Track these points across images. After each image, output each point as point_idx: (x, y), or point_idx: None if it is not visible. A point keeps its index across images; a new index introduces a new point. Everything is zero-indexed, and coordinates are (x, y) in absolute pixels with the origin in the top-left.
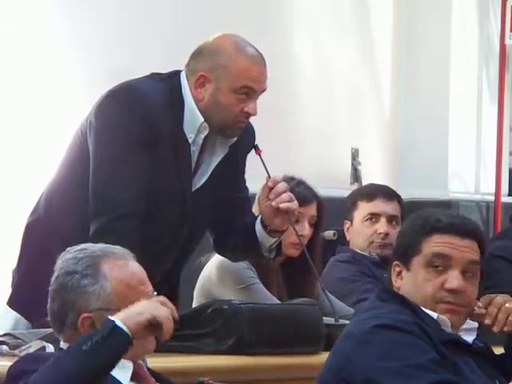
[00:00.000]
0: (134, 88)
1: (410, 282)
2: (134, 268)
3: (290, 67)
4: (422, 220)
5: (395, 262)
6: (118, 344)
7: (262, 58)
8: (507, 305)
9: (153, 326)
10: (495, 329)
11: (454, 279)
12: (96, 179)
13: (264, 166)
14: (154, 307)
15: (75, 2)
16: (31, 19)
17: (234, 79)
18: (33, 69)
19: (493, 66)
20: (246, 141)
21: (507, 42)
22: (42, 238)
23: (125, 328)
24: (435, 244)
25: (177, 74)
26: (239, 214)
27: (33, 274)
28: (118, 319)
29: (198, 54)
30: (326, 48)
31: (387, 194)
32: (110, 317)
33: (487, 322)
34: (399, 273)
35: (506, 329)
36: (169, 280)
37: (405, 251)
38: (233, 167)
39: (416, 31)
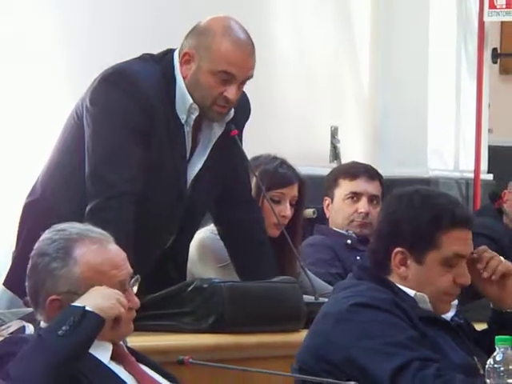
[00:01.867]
0: (128, 71)
1: (423, 275)
2: (107, 252)
3: (269, 48)
4: (435, 210)
5: (399, 249)
6: (92, 326)
7: (251, 46)
8: (501, 257)
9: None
10: (485, 274)
11: (467, 275)
12: (92, 161)
13: (239, 147)
14: (115, 302)
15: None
16: (21, 17)
17: (215, 62)
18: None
19: (471, 43)
20: (240, 113)
21: (486, 18)
22: (39, 219)
23: (96, 311)
24: (456, 242)
25: (169, 52)
26: (240, 187)
27: (28, 254)
28: (87, 305)
29: (189, 33)
30: (304, 28)
31: (370, 173)
32: (77, 303)
33: (479, 266)
34: (403, 261)
35: (493, 277)
36: (173, 257)
37: (417, 242)
38: (231, 144)
39: (394, 10)
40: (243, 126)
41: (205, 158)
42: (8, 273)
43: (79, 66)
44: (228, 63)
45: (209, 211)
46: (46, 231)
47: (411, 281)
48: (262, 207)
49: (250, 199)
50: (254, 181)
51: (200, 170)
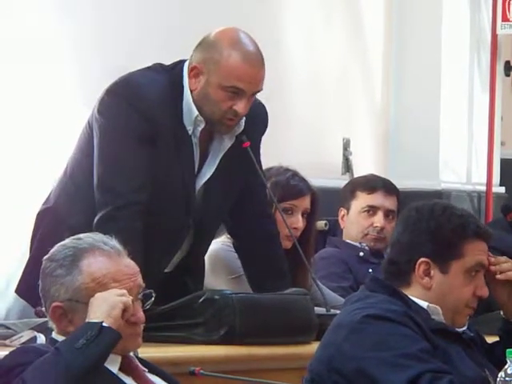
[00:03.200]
0: (134, 83)
1: (447, 285)
2: (113, 265)
3: (279, 58)
4: (459, 220)
5: (423, 259)
6: (108, 341)
7: (260, 59)
8: None
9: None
10: (498, 276)
11: (485, 287)
12: (99, 172)
13: (252, 158)
14: (114, 298)
15: (72, 3)
16: (27, 19)
17: (223, 77)
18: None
19: (484, 55)
20: (257, 125)
21: (498, 31)
22: (51, 227)
23: (112, 326)
24: (479, 252)
25: (180, 63)
26: (254, 200)
27: (39, 262)
28: (100, 320)
29: (198, 45)
30: (316, 38)
31: (388, 188)
32: (92, 320)
33: (493, 268)
34: (427, 271)
35: (503, 276)
36: (189, 270)
37: (442, 251)
38: (243, 155)
39: (407, 21)
40: (260, 139)
41: (213, 170)
42: (20, 280)
43: (91, 73)
44: (237, 79)
45: (223, 223)
46: (68, 238)
47: (434, 291)
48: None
49: (266, 212)
50: None
51: (210, 181)
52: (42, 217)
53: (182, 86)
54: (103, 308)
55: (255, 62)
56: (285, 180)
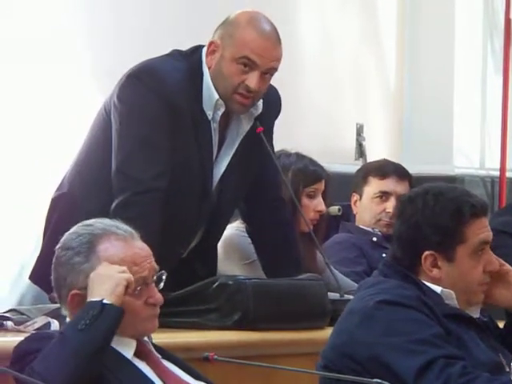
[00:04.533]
0: (155, 68)
1: (456, 272)
2: (130, 249)
3: (293, 44)
4: (453, 205)
5: (428, 253)
6: (111, 318)
7: (275, 37)
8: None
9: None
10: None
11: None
12: (119, 158)
13: (265, 144)
14: (117, 274)
15: (85, 1)
16: (35, 18)
17: (237, 48)
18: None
19: (497, 40)
20: (270, 109)
21: None
22: (65, 214)
23: (114, 303)
24: (480, 231)
25: (198, 48)
26: (268, 185)
27: (53, 248)
28: (101, 297)
29: (219, 25)
30: (330, 24)
31: (400, 173)
32: (92, 299)
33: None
34: (434, 263)
35: (489, 267)
36: (201, 256)
37: (444, 241)
38: (259, 140)
39: (420, 7)
40: (273, 123)
41: (231, 155)
42: (34, 267)
43: (105, 64)
44: (249, 49)
45: (238, 209)
46: (75, 226)
47: (444, 280)
48: (300, 205)
49: (279, 198)
50: (289, 179)
51: (227, 166)
52: (56, 203)
53: (202, 72)
54: (106, 285)
55: (270, 37)
56: (303, 166)
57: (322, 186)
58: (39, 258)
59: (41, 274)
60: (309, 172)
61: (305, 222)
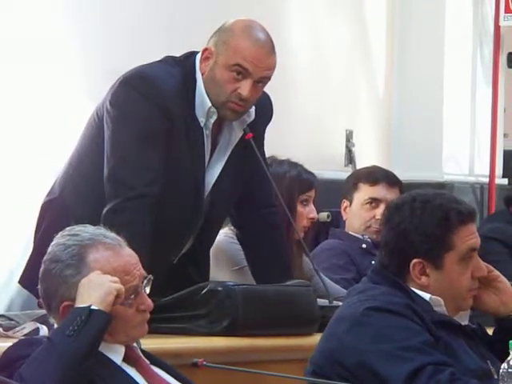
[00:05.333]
0: (148, 74)
1: (445, 279)
2: (120, 258)
3: (282, 49)
4: (440, 212)
5: (417, 260)
6: (98, 323)
7: (269, 46)
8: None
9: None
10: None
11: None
12: (111, 164)
13: (255, 150)
14: (109, 283)
15: (76, 2)
16: (32, 19)
17: (230, 55)
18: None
19: (487, 47)
20: (261, 115)
21: (501, 23)
22: (55, 219)
23: (102, 308)
24: (468, 238)
25: (192, 55)
26: (258, 191)
27: (44, 253)
28: (89, 303)
29: (214, 32)
30: (319, 30)
31: (391, 180)
32: (80, 305)
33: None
34: (422, 270)
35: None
36: (194, 262)
37: (431, 248)
38: (250, 147)
39: (410, 13)
40: (264, 129)
41: (224, 161)
42: (24, 271)
43: (97, 67)
44: (242, 57)
45: (228, 214)
46: (59, 235)
47: (433, 288)
48: (295, 212)
49: (269, 204)
50: (285, 186)
51: (219, 173)
52: (46, 208)
53: (195, 78)
54: (97, 293)
55: (263, 46)
56: (297, 174)
57: (313, 193)
58: (29, 262)
59: (31, 279)
60: (303, 179)
61: (296, 230)
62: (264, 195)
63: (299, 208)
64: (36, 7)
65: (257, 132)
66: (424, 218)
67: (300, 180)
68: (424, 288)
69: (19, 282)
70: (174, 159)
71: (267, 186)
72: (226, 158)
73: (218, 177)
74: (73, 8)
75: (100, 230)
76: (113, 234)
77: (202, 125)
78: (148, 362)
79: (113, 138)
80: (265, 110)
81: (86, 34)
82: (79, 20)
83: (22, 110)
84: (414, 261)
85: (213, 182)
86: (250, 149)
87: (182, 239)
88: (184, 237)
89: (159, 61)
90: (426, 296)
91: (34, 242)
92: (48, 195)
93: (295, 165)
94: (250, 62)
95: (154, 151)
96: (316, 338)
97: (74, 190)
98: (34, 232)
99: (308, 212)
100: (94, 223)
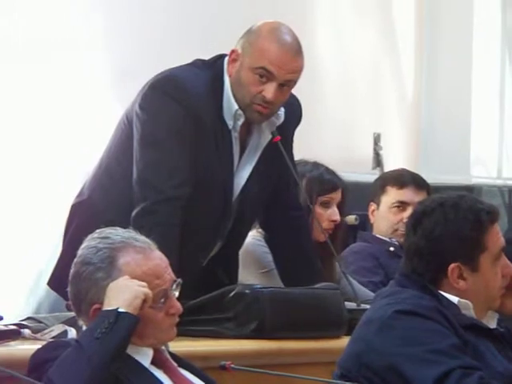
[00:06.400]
0: (178, 78)
1: (481, 281)
2: (151, 262)
3: (310, 53)
4: (472, 215)
5: (455, 265)
6: (126, 326)
7: (295, 49)
8: None
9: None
10: None
11: (510, 264)
12: (140, 167)
13: (283, 153)
14: (136, 287)
15: (93, 2)
16: (49, 19)
17: (255, 58)
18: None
19: None
20: (290, 117)
21: None
22: (84, 221)
23: (126, 309)
24: (498, 237)
25: (221, 58)
26: (286, 193)
27: (73, 255)
28: (117, 306)
29: (242, 35)
30: (346, 33)
31: (418, 183)
32: (108, 308)
33: None
34: (459, 274)
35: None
36: (223, 264)
37: (468, 251)
38: (282, 148)
39: (438, 16)
40: (293, 132)
41: (253, 164)
42: (52, 273)
43: (124, 70)
44: (267, 60)
45: (256, 217)
46: (89, 237)
47: (469, 292)
48: (314, 213)
49: (297, 206)
50: (303, 188)
51: (249, 176)
52: (75, 210)
53: (223, 81)
54: (125, 296)
55: (289, 49)
56: (318, 175)
57: (337, 195)
58: (58, 264)
59: (60, 281)
60: (324, 181)
61: (321, 230)
62: (291, 198)
63: (318, 210)
64: (62, 8)
65: (286, 134)
66: (458, 222)
67: (320, 181)
68: (461, 292)
69: (48, 284)
70: (203, 162)
71: (295, 189)
72: (255, 160)
73: (248, 179)
74: (98, 8)
75: (130, 233)
76: (143, 237)
77: (230, 127)
78: (176, 364)
79: (142, 141)
80: (294, 112)
81: (115, 31)
82: (109, 17)
83: (53, 114)
84: (452, 265)
85: (242, 185)
86: (278, 151)
87: (211, 241)
88: (213, 239)
89: (188, 64)
90: (455, 299)
91: (63, 245)
92: (77, 197)
93: (319, 166)
94: (275, 65)
95: (183, 154)
96: (344, 341)
97: (103, 193)
98: (63, 234)
99: (329, 214)
100: (123, 225)
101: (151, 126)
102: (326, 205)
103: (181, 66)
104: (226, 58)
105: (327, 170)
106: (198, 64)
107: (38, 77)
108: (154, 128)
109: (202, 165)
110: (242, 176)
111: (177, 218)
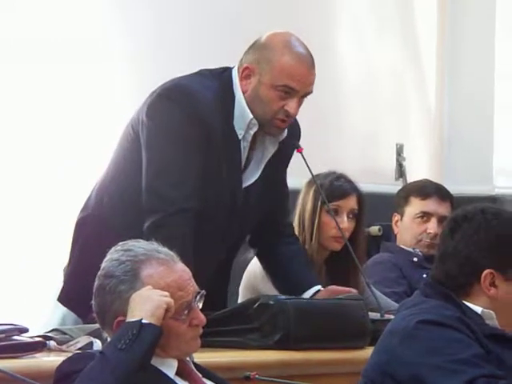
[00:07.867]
0: (186, 87)
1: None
2: (174, 273)
3: (333, 64)
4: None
5: (489, 271)
6: (150, 337)
7: (311, 61)
8: None
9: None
10: None
11: None
12: (149, 177)
13: (306, 163)
14: (158, 297)
15: (127, 5)
16: (80, 19)
17: (276, 76)
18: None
19: None
20: (291, 137)
21: None
22: (92, 234)
23: (153, 322)
24: None
25: (227, 70)
26: (280, 211)
27: (82, 269)
28: (141, 317)
29: (249, 48)
30: (369, 44)
31: (442, 194)
32: (131, 319)
33: None
34: (493, 282)
35: None
36: (221, 274)
37: (504, 259)
38: (280, 164)
39: (460, 26)
40: (292, 150)
41: (258, 174)
42: (62, 289)
43: (142, 78)
44: (289, 77)
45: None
46: (112, 250)
47: (500, 300)
48: (320, 221)
49: (285, 223)
50: (311, 196)
51: (251, 186)
52: (81, 225)
53: (233, 92)
54: (147, 306)
55: (307, 62)
56: (328, 182)
57: (347, 203)
58: (67, 280)
59: (69, 296)
60: (332, 188)
61: (342, 235)
62: (285, 221)
63: (324, 217)
64: (86, 7)
65: (285, 151)
66: (500, 229)
67: (329, 188)
68: (491, 300)
69: (58, 299)
70: (212, 173)
71: (285, 205)
72: (258, 173)
73: (250, 190)
74: (125, 10)
75: (153, 245)
76: (165, 249)
77: (240, 137)
78: (201, 375)
79: (149, 151)
80: (294, 131)
81: (136, 40)
82: (129, 24)
83: (56, 121)
84: (486, 271)
85: (243, 196)
86: (281, 167)
87: (218, 252)
88: (219, 249)
89: (196, 73)
90: (478, 309)
91: (70, 259)
92: (81, 212)
93: (331, 174)
94: (297, 81)
95: (191, 163)
96: (368, 352)
97: (110, 203)
98: (70, 250)
99: (338, 222)
100: (133, 236)
101: (159, 135)
102: (335, 212)
103: (188, 76)
104: (234, 71)
105: (338, 177)
106: (206, 73)
107: (51, 82)
108: (162, 136)
109: (211, 173)
110: (246, 185)
111: (188, 229)
